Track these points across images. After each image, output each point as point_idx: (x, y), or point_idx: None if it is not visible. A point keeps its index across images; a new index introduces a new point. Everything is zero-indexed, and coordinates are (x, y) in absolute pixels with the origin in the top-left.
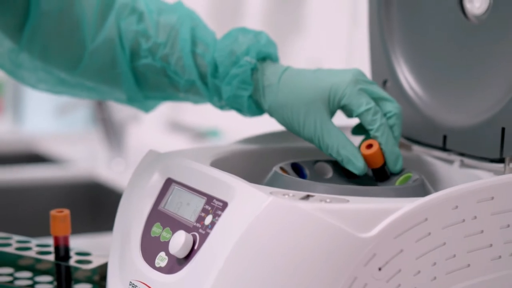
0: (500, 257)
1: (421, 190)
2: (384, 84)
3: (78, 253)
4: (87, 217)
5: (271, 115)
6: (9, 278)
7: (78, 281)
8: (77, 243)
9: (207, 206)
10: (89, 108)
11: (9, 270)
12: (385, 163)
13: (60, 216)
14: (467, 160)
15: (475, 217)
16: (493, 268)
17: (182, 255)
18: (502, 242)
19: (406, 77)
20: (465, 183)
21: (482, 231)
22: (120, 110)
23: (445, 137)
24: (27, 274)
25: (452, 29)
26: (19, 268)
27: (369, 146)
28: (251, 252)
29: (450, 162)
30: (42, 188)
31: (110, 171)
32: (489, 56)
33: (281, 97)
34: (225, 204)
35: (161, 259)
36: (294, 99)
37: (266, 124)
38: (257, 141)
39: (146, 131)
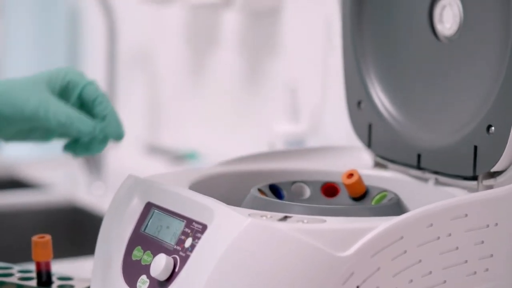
0: (475, 273)
1: (396, 209)
2: (358, 105)
3: (60, 278)
4: (67, 242)
5: None
6: None
7: None
8: (58, 267)
9: (186, 229)
10: None
11: None
12: (366, 192)
13: (42, 242)
14: (441, 178)
15: (450, 234)
16: (469, 284)
17: (163, 277)
18: (477, 258)
19: (380, 98)
20: (440, 201)
21: (457, 248)
22: None
23: (419, 156)
24: None
25: (424, 50)
26: None
27: (350, 175)
28: (231, 273)
29: (425, 180)
30: (22, 213)
31: (90, 195)
32: (460, 76)
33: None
34: (204, 227)
35: (143, 282)
36: (14, 83)
37: (245, 145)
38: (235, 163)
39: (124, 154)
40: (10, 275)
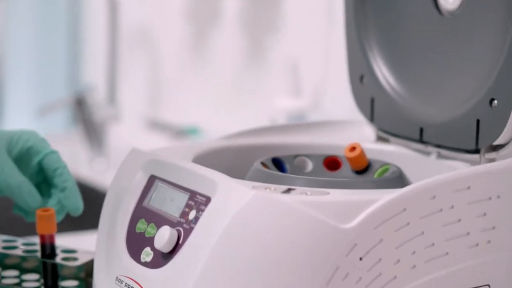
0: (477, 244)
1: (399, 182)
2: (361, 79)
3: (64, 251)
4: (69, 217)
5: None
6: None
7: (64, 278)
8: (60, 241)
9: (190, 202)
10: (69, 109)
11: None
12: (368, 165)
13: (46, 215)
14: (444, 152)
15: (452, 207)
16: (471, 256)
17: (167, 249)
18: (479, 230)
19: (383, 72)
20: (442, 174)
21: (459, 220)
22: (100, 110)
23: (421, 130)
24: (14, 272)
25: (427, 24)
26: (5, 267)
27: (353, 149)
28: (235, 245)
29: (428, 154)
30: None
31: (92, 170)
32: (463, 50)
33: None
34: (208, 199)
35: (147, 254)
36: None
37: (246, 121)
38: (238, 137)
39: (126, 130)
40: (15, 247)
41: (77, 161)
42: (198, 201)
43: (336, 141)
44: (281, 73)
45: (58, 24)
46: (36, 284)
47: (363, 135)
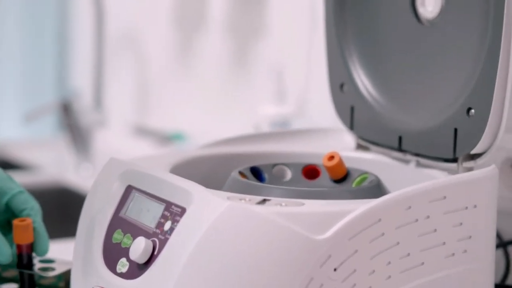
0: (453, 254)
1: (377, 191)
2: (341, 87)
3: (42, 261)
4: (55, 223)
5: None
6: None
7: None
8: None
9: (166, 212)
10: (56, 114)
11: None
12: (347, 174)
13: (23, 225)
14: (422, 160)
15: (428, 217)
16: (447, 265)
17: (142, 260)
18: (455, 240)
19: (362, 81)
20: (420, 182)
21: (435, 230)
22: (86, 115)
23: (400, 138)
24: None
25: (406, 33)
26: None
27: (331, 158)
28: (209, 256)
29: (407, 162)
30: None
31: (78, 176)
32: (441, 59)
33: None
34: (183, 210)
35: (122, 265)
36: None
37: (231, 126)
38: (217, 146)
39: (112, 135)
40: None
41: (63, 166)
42: (173, 212)
43: (316, 149)
44: (266, 79)
45: (45, 28)
46: None
47: (343, 143)
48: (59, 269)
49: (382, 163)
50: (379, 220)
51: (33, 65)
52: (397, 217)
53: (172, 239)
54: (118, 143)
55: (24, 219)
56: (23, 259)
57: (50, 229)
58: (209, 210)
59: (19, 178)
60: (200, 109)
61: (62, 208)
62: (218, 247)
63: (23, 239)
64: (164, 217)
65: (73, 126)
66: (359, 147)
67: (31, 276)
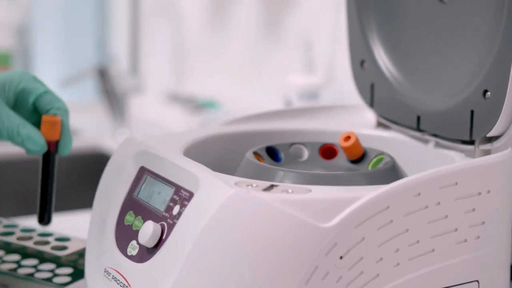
0: (465, 240)
1: (391, 173)
2: (361, 64)
3: (58, 239)
4: (93, 187)
5: None
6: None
7: (61, 265)
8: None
9: (175, 196)
10: (93, 79)
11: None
12: (364, 154)
13: (51, 120)
14: (441, 141)
15: (439, 203)
16: (459, 252)
17: (150, 244)
18: (468, 226)
19: (383, 58)
20: (438, 164)
21: (446, 216)
22: (122, 81)
23: (418, 118)
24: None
25: (426, 11)
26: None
27: (347, 138)
28: (215, 243)
29: (426, 142)
30: None
31: (114, 141)
32: (459, 39)
33: None
34: (191, 195)
35: (133, 248)
36: None
37: (262, 95)
38: (235, 124)
39: (147, 101)
40: (12, 233)
41: (100, 130)
42: (182, 196)
43: (336, 127)
44: (295, 49)
45: None
46: (68, 278)
47: (364, 120)
48: (72, 248)
49: (401, 142)
50: (387, 207)
51: (72, 30)
52: (406, 204)
53: (179, 224)
54: (152, 110)
55: (53, 116)
56: (48, 157)
57: (86, 193)
58: (215, 196)
59: None
60: (232, 77)
61: (99, 172)
62: (222, 234)
63: (50, 134)
64: (173, 201)
65: (110, 92)
66: (380, 125)
67: (53, 157)
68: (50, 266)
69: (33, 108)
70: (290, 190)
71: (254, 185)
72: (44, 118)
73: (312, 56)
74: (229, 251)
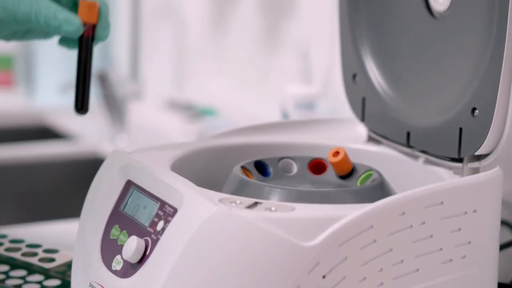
0: (451, 260)
1: (378, 191)
2: (353, 78)
3: (46, 251)
4: None
5: None
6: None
7: (49, 277)
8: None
9: (160, 212)
10: (93, 84)
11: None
12: (353, 169)
13: (88, 2)
14: (431, 157)
15: (424, 222)
16: (444, 271)
17: (134, 260)
18: (453, 245)
19: (374, 72)
20: (426, 181)
21: (431, 236)
22: (122, 86)
23: (408, 134)
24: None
25: (417, 26)
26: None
27: (336, 153)
28: (197, 261)
29: (416, 158)
30: (48, 164)
31: (114, 146)
32: (449, 55)
33: None
34: (175, 210)
35: (117, 263)
36: None
37: (260, 104)
38: (226, 136)
39: (146, 108)
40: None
41: (99, 136)
42: (166, 212)
43: (328, 141)
44: (293, 58)
45: None
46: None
47: (356, 134)
48: (59, 260)
49: (391, 158)
50: (371, 226)
51: None
52: (390, 224)
53: (163, 240)
54: (151, 116)
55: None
56: (85, 42)
57: (84, 199)
58: (197, 213)
59: (57, 147)
60: (232, 84)
61: None
62: (204, 252)
63: (87, 17)
64: (158, 216)
65: (110, 97)
66: (371, 139)
67: (91, 42)
68: (39, 277)
69: (73, 2)
70: (273, 208)
71: (238, 202)
72: (82, 1)
73: (309, 66)
74: (211, 270)
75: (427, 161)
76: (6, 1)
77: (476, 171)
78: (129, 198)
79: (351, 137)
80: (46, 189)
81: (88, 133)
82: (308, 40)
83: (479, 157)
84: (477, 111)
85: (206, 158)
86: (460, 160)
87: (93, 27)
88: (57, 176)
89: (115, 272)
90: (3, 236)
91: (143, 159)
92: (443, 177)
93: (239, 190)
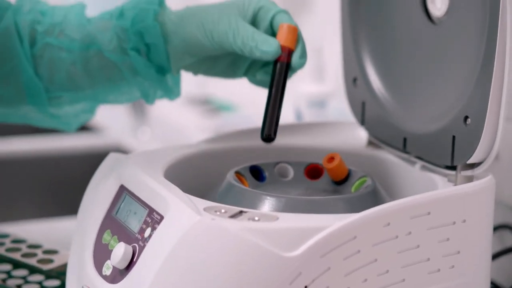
0: (439, 270)
1: (370, 198)
2: (354, 81)
3: (46, 252)
4: None
5: (179, 28)
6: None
7: (50, 277)
8: None
9: (148, 218)
10: None
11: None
12: (349, 175)
13: (288, 25)
14: (426, 164)
15: (410, 233)
16: (432, 281)
17: (121, 266)
18: (441, 255)
19: (374, 76)
20: (421, 188)
21: (418, 246)
22: None
23: (405, 140)
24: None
25: (416, 32)
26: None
27: (331, 159)
28: (179, 270)
29: (413, 163)
30: (68, 156)
31: (136, 139)
32: (445, 62)
33: (191, 9)
34: (161, 218)
35: (107, 268)
36: (206, 8)
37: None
38: (226, 139)
39: (167, 102)
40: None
41: (122, 129)
42: (154, 219)
43: (328, 145)
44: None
45: None
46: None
47: (357, 138)
48: (57, 262)
49: (388, 163)
50: (354, 237)
51: None
52: (374, 234)
53: (148, 247)
54: (172, 110)
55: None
56: (279, 66)
57: None
58: (181, 222)
59: (79, 140)
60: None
61: None
62: (187, 262)
63: (286, 41)
64: (146, 223)
65: None
66: (370, 143)
67: (287, 67)
68: (39, 277)
69: (270, 26)
70: (257, 218)
71: (223, 211)
72: (282, 24)
73: (322, 65)
74: (193, 280)
75: (423, 168)
76: (205, 20)
77: (470, 179)
78: (121, 203)
79: (351, 141)
80: (69, 181)
81: (110, 125)
82: (321, 38)
83: (473, 165)
84: (469, 119)
85: (203, 162)
86: (454, 167)
87: (289, 53)
88: (79, 168)
89: (105, 277)
90: (5, 236)
91: (138, 163)
92: (437, 184)
93: (230, 196)
